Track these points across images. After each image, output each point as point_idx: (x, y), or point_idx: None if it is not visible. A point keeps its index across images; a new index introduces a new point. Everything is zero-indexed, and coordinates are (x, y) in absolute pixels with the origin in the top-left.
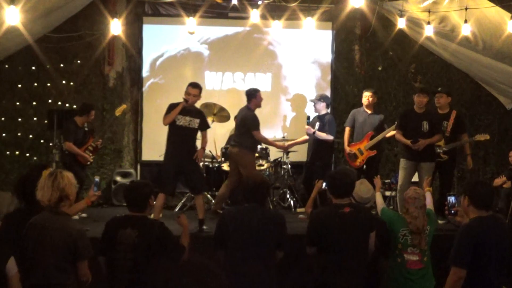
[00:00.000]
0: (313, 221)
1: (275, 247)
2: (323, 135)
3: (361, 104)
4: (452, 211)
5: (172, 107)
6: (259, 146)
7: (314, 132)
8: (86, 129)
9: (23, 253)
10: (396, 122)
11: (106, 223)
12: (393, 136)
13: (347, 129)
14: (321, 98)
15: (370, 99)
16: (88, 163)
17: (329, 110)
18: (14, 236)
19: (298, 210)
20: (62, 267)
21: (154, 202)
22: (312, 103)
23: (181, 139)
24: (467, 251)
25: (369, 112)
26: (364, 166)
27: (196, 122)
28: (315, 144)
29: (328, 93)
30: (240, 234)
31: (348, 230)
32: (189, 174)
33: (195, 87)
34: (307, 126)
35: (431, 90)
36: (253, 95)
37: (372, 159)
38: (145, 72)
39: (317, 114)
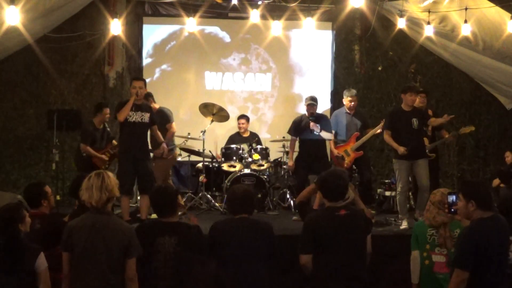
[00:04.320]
0: (307, 226)
1: (265, 258)
2: (327, 135)
3: (360, 104)
4: (453, 209)
5: (121, 104)
6: (259, 146)
7: (320, 130)
8: (107, 129)
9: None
10: (382, 121)
11: (137, 231)
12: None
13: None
14: (314, 99)
15: (355, 102)
16: (104, 167)
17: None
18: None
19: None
20: (115, 267)
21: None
22: (312, 105)
23: (135, 135)
24: (470, 252)
25: (351, 113)
26: (354, 167)
27: (147, 117)
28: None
29: (328, 93)
30: (231, 246)
31: (345, 233)
32: (142, 172)
33: (139, 80)
34: (312, 123)
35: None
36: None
37: (361, 158)
38: (145, 72)
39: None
